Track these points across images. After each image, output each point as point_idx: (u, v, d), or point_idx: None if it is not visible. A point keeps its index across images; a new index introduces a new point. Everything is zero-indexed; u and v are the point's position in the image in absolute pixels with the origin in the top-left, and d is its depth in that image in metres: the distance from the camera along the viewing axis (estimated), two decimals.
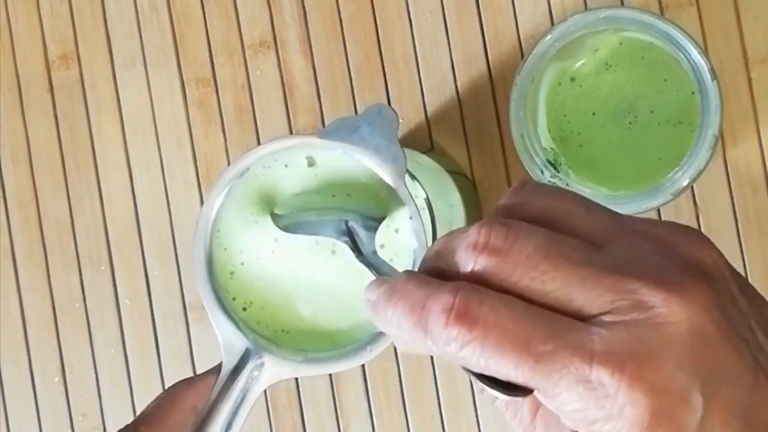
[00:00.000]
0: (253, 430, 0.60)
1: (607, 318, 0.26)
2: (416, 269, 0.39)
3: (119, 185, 0.62)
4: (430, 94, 0.60)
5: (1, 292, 0.63)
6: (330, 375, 0.60)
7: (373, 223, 0.39)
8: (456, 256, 0.27)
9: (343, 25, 0.61)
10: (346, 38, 0.61)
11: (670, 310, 0.25)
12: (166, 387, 0.39)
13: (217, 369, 0.39)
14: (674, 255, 0.27)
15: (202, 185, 0.62)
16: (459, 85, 0.59)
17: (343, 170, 0.41)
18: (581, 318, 0.26)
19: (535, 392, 0.26)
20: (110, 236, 0.62)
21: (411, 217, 0.40)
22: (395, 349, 0.59)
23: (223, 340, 0.39)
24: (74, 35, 0.63)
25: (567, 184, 0.51)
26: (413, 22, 0.60)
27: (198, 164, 0.62)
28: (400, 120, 0.60)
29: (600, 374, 0.25)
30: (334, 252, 0.41)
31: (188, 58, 0.62)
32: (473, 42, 0.59)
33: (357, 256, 0.39)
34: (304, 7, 0.61)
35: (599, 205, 0.28)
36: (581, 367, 0.25)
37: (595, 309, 0.26)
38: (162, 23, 0.62)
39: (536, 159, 0.51)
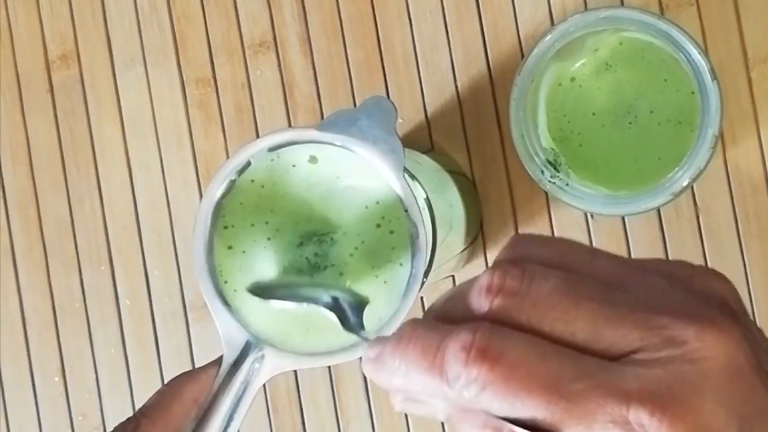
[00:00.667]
0: (254, 430, 0.60)
1: (639, 356, 0.25)
2: (416, 261, 0.38)
3: (119, 185, 0.62)
4: (430, 94, 0.60)
5: (1, 292, 0.63)
6: (330, 375, 0.60)
7: (359, 304, 0.39)
8: (468, 301, 0.26)
9: (343, 25, 0.61)
10: (346, 38, 0.61)
11: (704, 345, 0.24)
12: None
13: (218, 362, 0.39)
14: (694, 290, 0.26)
15: (202, 185, 0.62)
16: (459, 85, 0.59)
17: (343, 171, 0.41)
18: (610, 358, 0.25)
19: None
20: (110, 236, 0.62)
21: (407, 210, 0.40)
22: None
23: (223, 332, 0.39)
24: (74, 35, 0.63)
25: (567, 184, 0.51)
26: (413, 22, 0.60)
27: (198, 164, 0.62)
28: (400, 120, 0.60)
29: (639, 415, 0.24)
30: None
31: (188, 58, 0.62)
32: (473, 42, 0.59)
33: (345, 327, 0.38)
34: (304, 7, 0.61)
35: (601, 250, 0.28)
36: (618, 407, 0.24)
37: (625, 347, 0.25)
38: (162, 23, 0.62)
39: (536, 159, 0.51)
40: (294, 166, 0.41)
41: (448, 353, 0.25)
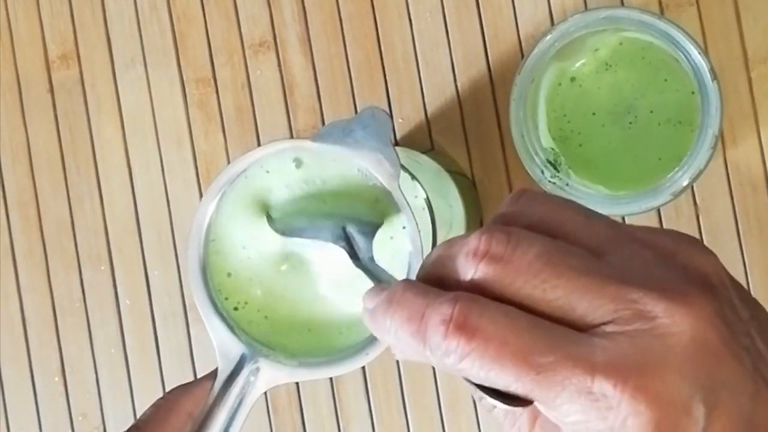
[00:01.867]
0: (254, 430, 0.60)
1: (609, 328, 0.25)
2: (413, 274, 0.38)
3: (119, 185, 0.62)
4: (430, 94, 0.60)
5: (1, 292, 0.63)
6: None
7: (370, 228, 0.39)
8: (456, 263, 0.27)
9: (343, 25, 0.61)
10: (346, 38, 0.61)
11: (672, 320, 0.25)
12: (166, 387, 0.39)
13: (213, 375, 0.39)
14: (675, 263, 0.27)
15: (202, 185, 0.62)
16: (459, 85, 0.59)
17: (335, 175, 0.41)
18: (583, 327, 0.26)
19: (536, 403, 0.26)
20: (110, 236, 0.62)
21: (404, 227, 0.40)
22: None
23: (218, 345, 0.39)
24: (74, 35, 0.63)
25: (567, 184, 0.51)
26: (413, 22, 0.60)
27: (198, 164, 0.62)
28: (400, 120, 0.60)
29: (602, 386, 0.25)
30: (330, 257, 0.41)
31: (188, 58, 0.62)
32: (473, 42, 0.59)
33: (354, 262, 0.39)
34: (304, 7, 0.61)
35: (598, 214, 0.28)
36: (583, 378, 0.25)
37: (597, 318, 0.26)
38: (162, 23, 0.62)
39: (536, 159, 0.51)
40: (268, 172, 0.41)
41: (430, 324, 0.26)
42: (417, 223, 0.40)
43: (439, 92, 0.59)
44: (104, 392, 0.62)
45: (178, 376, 0.61)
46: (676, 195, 0.50)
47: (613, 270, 0.26)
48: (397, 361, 0.59)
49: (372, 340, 0.39)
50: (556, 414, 0.25)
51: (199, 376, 0.61)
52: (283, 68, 0.61)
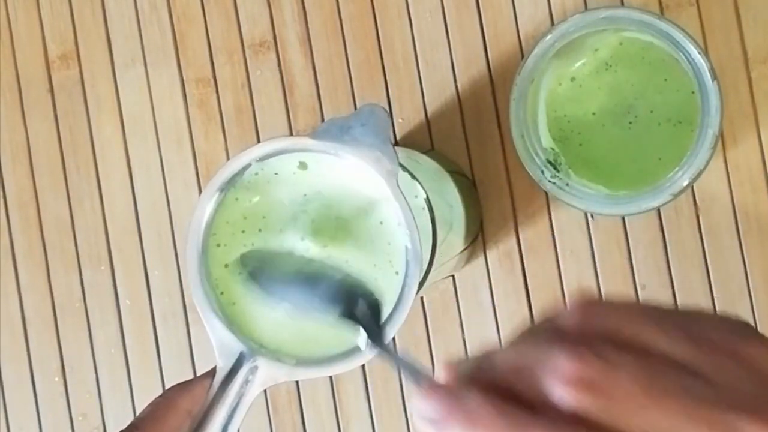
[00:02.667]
0: (254, 430, 0.60)
1: None
2: (411, 272, 0.38)
3: (119, 185, 0.62)
4: (430, 94, 0.60)
5: (1, 291, 0.63)
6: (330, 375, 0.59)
7: (374, 306, 0.39)
8: (541, 382, 0.26)
9: (343, 25, 0.61)
10: (346, 38, 0.60)
11: None
12: (167, 387, 0.39)
13: (212, 373, 0.38)
14: (759, 375, 0.27)
15: (202, 185, 0.62)
16: (459, 85, 0.59)
17: (335, 177, 0.41)
18: None
19: None
20: (110, 236, 0.62)
21: (399, 223, 0.39)
22: (395, 349, 0.59)
23: (217, 343, 0.39)
24: (74, 35, 0.63)
25: (567, 184, 0.51)
26: (413, 22, 0.60)
27: (198, 164, 0.62)
28: (400, 120, 0.60)
29: None
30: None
31: (188, 58, 0.62)
32: (473, 42, 0.59)
33: (376, 345, 0.37)
34: (304, 7, 0.61)
35: (663, 311, 0.28)
36: None
37: None
38: (162, 23, 0.62)
39: (536, 159, 0.51)
40: (276, 174, 0.41)
41: None
42: (415, 220, 0.40)
43: (439, 92, 0.59)
44: (104, 392, 0.62)
45: (178, 376, 0.61)
46: (676, 195, 0.50)
47: (704, 390, 0.26)
48: None
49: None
50: None
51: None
52: (283, 68, 0.61)
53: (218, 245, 0.41)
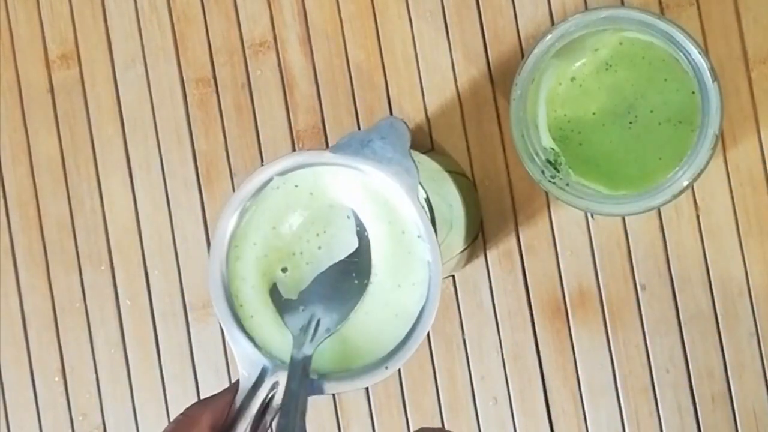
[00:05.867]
0: None
1: None
2: (434, 283, 0.38)
3: (119, 185, 0.62)
4: (430, 94, 0.60)
5: (1, 291, 0.63)
6: None
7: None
8: None
9: (343, 25, 0.61)
10: (346, 38, 0.61)
11: None
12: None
13: (234, 388, 0.38)
14: None
15: (202, 185, 0.62)
16: (459, 85, 0.59)
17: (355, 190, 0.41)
18: None
19: None
20: (110, 236, 0.62)
21: (419, 236, 0.40)
22: None
23: (240, 357, 0.39)
24: (74, 35, 0.63)
25: (567, 184, 0.51)
26: (413, 22, 0.60)
27: (198, 164, 0.62)
28: None
29: None
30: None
31: (188, 58, 0.62)
32: (473, 42, 0.59)
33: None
34: (304, 7, 0.61)
35: None
36: None
37: None
38: (162, 23, 0.62)
39: (536, 159, 0.51)
40: (296, 186, 0.41)
41: None
42: (437, 236, 0.39)
43: (439, 92, 0.59)
44: (104, 392, 0.62)
45: (178, 376, 0.61)
46: (676, 195, 0.50)
47: None
48: None
49: (392, 353, 0.39)
50: None
51: (199, 376, 0.61)
52: (283, 68, 0.61)
53: (237, 258, 0.41)
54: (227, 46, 0.62)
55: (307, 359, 0.39)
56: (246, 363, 0.39)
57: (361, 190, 0.41)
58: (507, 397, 0.58)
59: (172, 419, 0.39)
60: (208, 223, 0.61)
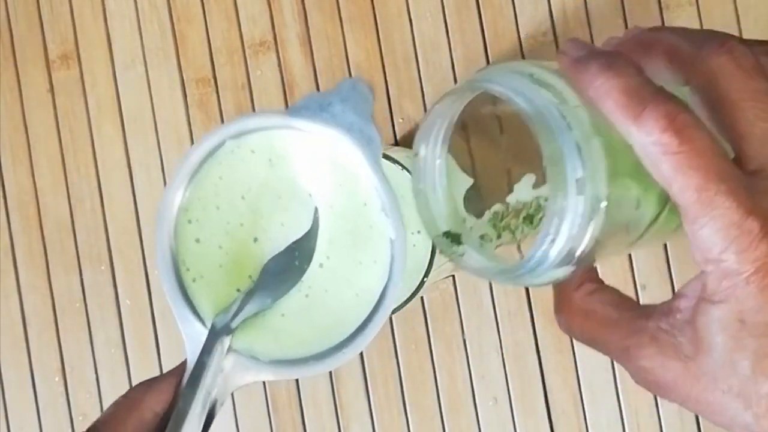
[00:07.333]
0: (254, 430, 0.60)
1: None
2: (397, 264, 0.36)
3: (119, 185, 0.62)
4: (430, 94, 0.60)
5: (1, 291, 0.63)
6: (330, 374, 0.60)
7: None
8: (697, 47, 0.30)
9: (343, 25, 0.61)
10: (346, 38, 0.61)
11: None
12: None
13: (180, 370, 0.35)
14: None
15: None
16: None
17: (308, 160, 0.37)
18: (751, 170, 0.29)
19: (683, 218, 0.29)
20: (110, 236, 0.62)
21: (383, 210, 0.36)
22: (395, 348, 0.59)
23: (187, 337, 0.36)
24: (74, 35, 0.63)
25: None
26: (413, 22, 0.60)
27: None
28: (400, 120, 0.60)
29: (752, 225, 0.28)
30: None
31: (188, 58, 0.62)
32: (473, 42, 0.59)
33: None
34: (304, 7, 0.61)
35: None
36: (739, 215, 0.28)
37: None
38: (162, 23, 0.62)
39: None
40: (254, 152, 0.37)
41: (652, 113, 0.28)
42: (400, 207, 0.36)
43: (439, 92, 0.59)
44: (104, 392, 0.62)
45: None
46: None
47: None
48: (398, 361, 0.59)
49: (349, 338, 0.36)
50: (694, 229, 0.28)
51: None
52: (283, 68, 0.61)
53: (189, 221, 0.37)
54: (227, 46, 0.62)
55: (228, 330, 0.36)
56: (192, 340, 0.35)
57: (321, 157, 0.37)
58: (507, 397, 0.58)
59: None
60: None
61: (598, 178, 0.30)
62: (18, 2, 0.64)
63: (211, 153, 0.37)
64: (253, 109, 0.61)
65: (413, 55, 0.60)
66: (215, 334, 0.35)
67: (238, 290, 0.37)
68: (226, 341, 0.36)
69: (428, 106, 0.60)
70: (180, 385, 0.35)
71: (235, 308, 0.37)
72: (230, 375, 0.35)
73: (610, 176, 0.31)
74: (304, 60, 0.61)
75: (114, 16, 0.63)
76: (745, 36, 0.57)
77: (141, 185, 0.62)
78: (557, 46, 0.59)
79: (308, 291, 0.37)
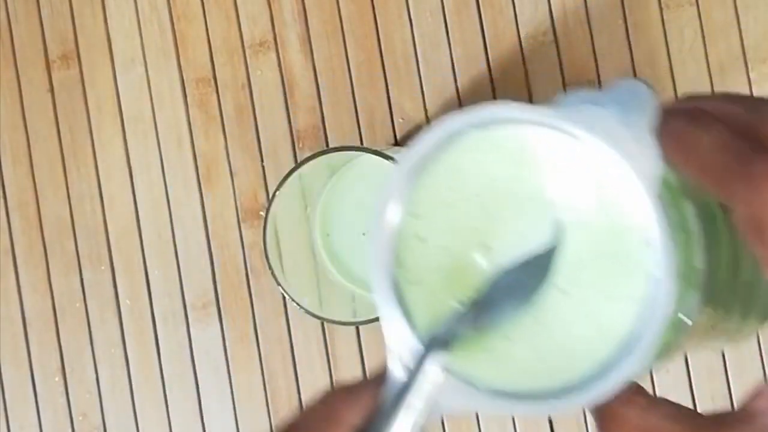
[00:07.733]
0: (254, 429, 0.60)
1: None
2: (656, 307, 0.29)
3: (119, 185, 0.62)
4: (430, 94, 0.60)
5: (1, 292, 0.63)
6: (330, 373, 0.59)
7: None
8: None
9: (343, 25, 0.61)
10: (346, 38, 0.61)
11: None
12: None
13: (381, 379, 0.30)
14: None
15: (202, 185, 0.62)
16: (459, 85, 0.59)
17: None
18: None
19: None
20: (110, 236, 0.62)
21: (647, 242, 0.29)
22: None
23: (394, 344, 0.31)
24: (74, 35, 0.63)
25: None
26: (413, 22, 0.60)
27: (198, 164, 0.62)
28: (400, 120, 0.60)
29: None
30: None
31: (188, 58, 0.62)
32: (473, 42, 0.59)
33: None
34: (304, 7, 0.61)
35: None
36: None
37: None
38: (162, 23, 0.62)
39: None
40: (499, 147, 0.31)
41: None
42: (675, 248, 0.29)
43: (439, 92, 0.59)
44: (104, 392, 0.62)
45: (178, 376, 0.61)
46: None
47: None
48: None
49: (587, 381, 0.30)
50: None
51: (199, 376, 0.61)
52: (283, 68, 0.61)
53: (413, 215, 0.31)
54: (227, 46, 0.62)
55: (445, 345, 0.30)
56: (400, 348, 0.30)
57: (580, 166, 0.31)
58: None
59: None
60: (208, 223, 0.61)
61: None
62: (18, 2, 0.64)
63: (449, 140, 0.31)
64: (253, 109, 0.61)
65: (413, 55, 0.60)
66: (430, 348, 0.30)
67: (457, 300, 0.32)
68: (442, 358, 0.30)
69: (428, 106, 0.60)
70: (380, 397, 0.30)
71: (455, 321, 0.31)
72: (440, 398, 0.30)
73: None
74: (304, 60, 0.61)
75: (114, 16, 0.63)
76: (746, 36, 0.57)
77: (141, 185, 0.62)
78: (557, 46, 0.59)
79: (538, 314, 0.32)
